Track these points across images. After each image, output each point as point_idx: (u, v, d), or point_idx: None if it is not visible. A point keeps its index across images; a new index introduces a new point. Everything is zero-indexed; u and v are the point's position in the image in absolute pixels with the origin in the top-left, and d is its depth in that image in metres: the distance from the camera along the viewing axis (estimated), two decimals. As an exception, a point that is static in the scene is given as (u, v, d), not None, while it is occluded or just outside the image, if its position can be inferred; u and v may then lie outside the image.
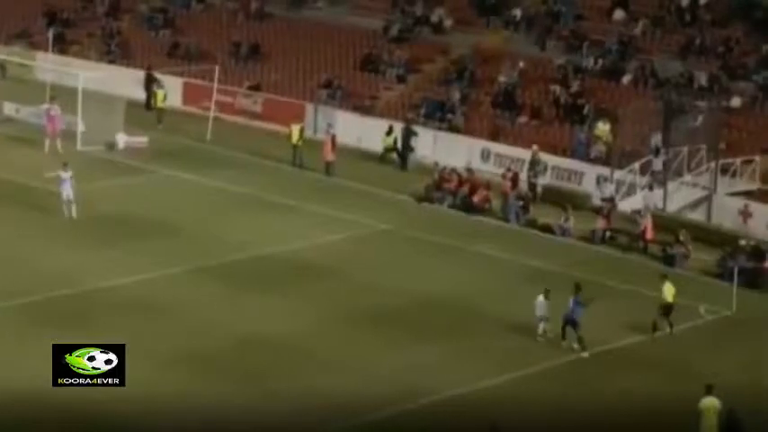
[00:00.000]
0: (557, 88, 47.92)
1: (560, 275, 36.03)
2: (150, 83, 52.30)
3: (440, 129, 47.79)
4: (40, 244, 36.32)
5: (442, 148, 46.37)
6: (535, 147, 44.19)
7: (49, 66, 53.26)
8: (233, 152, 46.99)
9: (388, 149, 47.20)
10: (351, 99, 50.90)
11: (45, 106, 47.09)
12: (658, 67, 47.61)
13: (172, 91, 51.17)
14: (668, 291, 31.75)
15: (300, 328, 31.31)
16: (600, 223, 39.78)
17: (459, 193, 42.31)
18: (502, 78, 49.23)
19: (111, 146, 46.41)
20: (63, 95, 48.31)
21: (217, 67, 50.57)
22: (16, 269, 34.18)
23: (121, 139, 46.66)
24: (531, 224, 40.84)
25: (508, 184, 41.96)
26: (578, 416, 27.82)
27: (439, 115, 48.51)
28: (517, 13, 52.36)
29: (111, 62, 55.40)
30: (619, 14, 50.92)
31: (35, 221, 38.26)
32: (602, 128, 44.94)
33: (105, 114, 46.22)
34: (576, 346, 30.52)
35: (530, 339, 31.23)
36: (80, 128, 46.33)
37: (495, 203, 41.86)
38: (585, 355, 30.34)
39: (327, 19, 55.74)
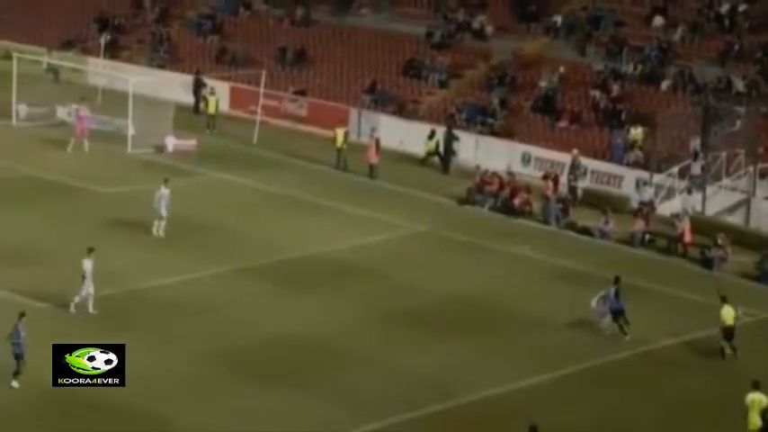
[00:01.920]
0: (596, 93, 47.53)
1: (599, 277, 35.68)
2: (198, 87, 52.31)
3: (481, 133, 47.49)
4: (84, 243, 36.17)
5: (483, 152, 46.08)
6: (575, 151, 43.82)
7: (100, 71, 53.47)
8: (278, 155, 46.90)
9: (430, 153, 46.95)
10: (394, 103, 50.68)
11: (74, 107, 47.15)
12: (697, 73, 47.13)
13: (219, 95, 51.07)
14: (728, 314, 30.37)
15: (339, 328, 31.15)
16: (639, 226, 39.34)
17: (500, 195, 42.00)
18: (542, 83, 48.91)
19: (161, 149, 46.42)
20: (114, 99, 48.46)
21: (263, 72, 50.51)
22: (67, 269, 34.14)
23: (170, 142, 46.66)
24: (571, 227, 40.45)
25: (549, 187, 41.57)
26: (615, 415, 27.47)
27: (480, 119, 48.23)
28: (557, 19, 52.01)
29: (161, 67, 55.46)
30: (658, 21, 50.46)
31: (83, 221, 38.24)
32: (635, 132, 44.53)
33: (155, 118, 46.23)
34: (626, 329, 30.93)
35: (566, 339, 30.93)
36: (130, 131, 46.35)
37: (536, 206, 41.52)
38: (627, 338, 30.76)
39: (371, 25, 55.58)
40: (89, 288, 30.83)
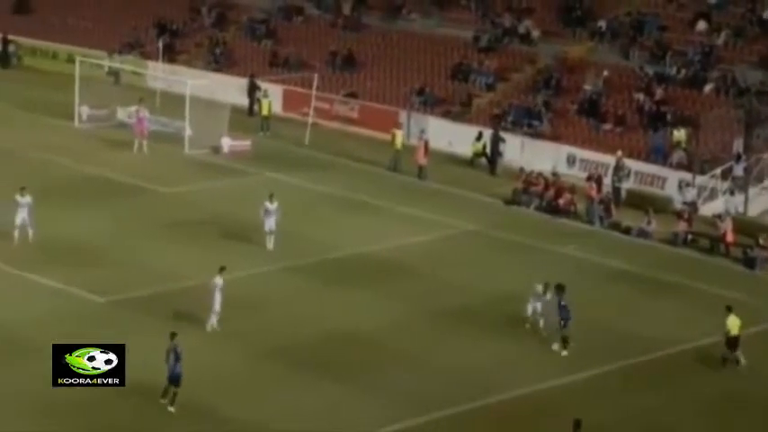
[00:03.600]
0: (640, 96, 47.23)
1: (642, 276, 35.54)
2: (253, 90, 52.51)
3: (527, 135, 47.32)
4: (145, 241, 36.53)
5: (528, 154, 45.94)
6: (619, 152, 43.58)
7: (159, 74, 53.79)
8: (330, 156, 46.97)
9: (477, 154, 46.87)
10: (442, 106, 50.63)
11: (133, 108, 47.43)
12: (739, 76, 46.74)
13: (272, 98, 51.25)
14: (733, 323, 29.44)
15: (387, 325, 31.17)
16: (681, 226, 39.05)
17: (545, 196, 41.86)
18: (587, 87, 48.68)
19: (216, 149, 46.63)
20: (172, 102, 48.74)
21: (315, 76, 50.62)
22: (125, 265, 34.43)
23: (226, 143, 46.86)
24: (615, 227, 40.23)
25: (592, 188, 41.37)
26: (653, 412, 27.30)
27: (526, 122, 48.06)
28: (602, 24, 51.74)
29: (217, 70, 55.71)
30: (701, 25, 50.06)
31: (143, 220, 38.50)
32: (678, 134, 44.21)
33: (211, 119, 46.43)
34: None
35: (608, 337, 30.78)
36: (187, 132, 46.60)
37: (580, 207, 41.31)
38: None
39: (420, 30, 55.55)
40: (216, 306, 29.76)
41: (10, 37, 60.37)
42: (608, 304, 33.34)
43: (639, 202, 41.80)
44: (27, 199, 35.29)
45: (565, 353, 29.44)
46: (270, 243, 35.62)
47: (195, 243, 36.38)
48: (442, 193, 43.29)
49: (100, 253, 35.23)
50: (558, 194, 41.68)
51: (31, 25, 62.03)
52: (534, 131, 47.48)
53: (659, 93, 46.95)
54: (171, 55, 56.64)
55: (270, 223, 35.49)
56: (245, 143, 47.19)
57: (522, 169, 43.63)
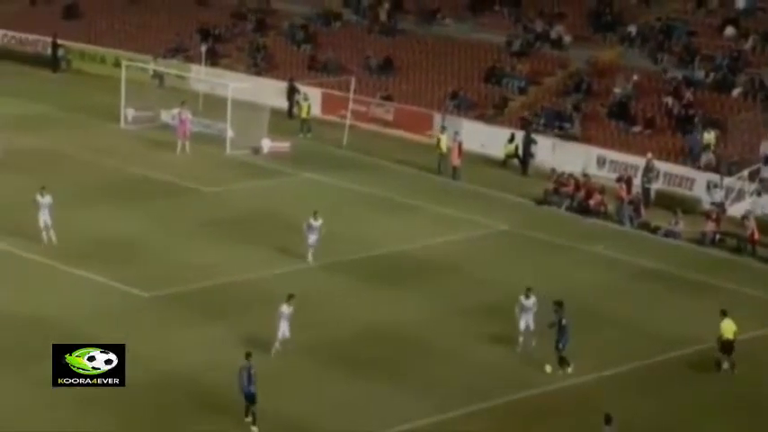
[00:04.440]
0: (669, 100, 46.88)
1: (671, 275, 35.31)
2: (292, 93, 52.55)
3: (558, 137, 47.09)
4: (187, 239, 36.63)
5: (560, 155, 45.70)
6: (649, 154, 43.29)
7: (201, 77, 53.92)
8: (367, 157, 46.92)
9: (509, 156, 46.69)
10: (475, 109, 50.47)
11: (176, 111, 47.57)
12: (767, 80, 46.24)
13: (311, 101, 51.25)
14: (728, 328, 28.73)
15: (423, 320, 31.11)
16: (710, 226, 38.75)
17: (576, 196, 41.64)
18: (617, 90, 48.37)
19: (257, 150, 46.68)
20: (214, 104, 48.86)
21: (352, 79, 50.58)
22: (168, 261, 34.54)
23: (266, 144, 46.91)
24: (644, 227, 39.96)
25: (622, 189, 41.12)
26: (683, 407, 27.16)
27: (557, 124, 47.82)
28: (632, 29, 51.40)
29: (258, 74, 55.75)
30: (729, 31, 49.63)
31: (186, 218, 38.61)
32: (708, 137, 43.86)
33: (252, 121, 46.50)
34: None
35: (639, 334, 30.56)
36: (229, 134, 46.69)
37: (610, 207, 41.06)
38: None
39: (454, 34, 55.40)
40: (280, 334, 28.40)
41: (59, 41, 60.69)
42: (637, 302, 33.14)
43: (668, 202, 41.50)
44: (47, 199, 34.74)
45: (570, 370, 28.06)
46: (310, 256, 34.56)
47: (236, 241, 36.43)
48: (476, 193, 43.15)
49: (144, 250, 35.36)
50: (589, 195, 41.45)
51: (79, 30, 62.36)
52: (565, 133, 47.24)
53: (688, 96, 46.59)
54: (213, 59, 56.76)
55: (312, 239, 34.51)
56: (284, 144, 47.22)
57: (553, 170, 43.46)
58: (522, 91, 51.04)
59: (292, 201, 41.05)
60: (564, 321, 27.97)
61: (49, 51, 60.77)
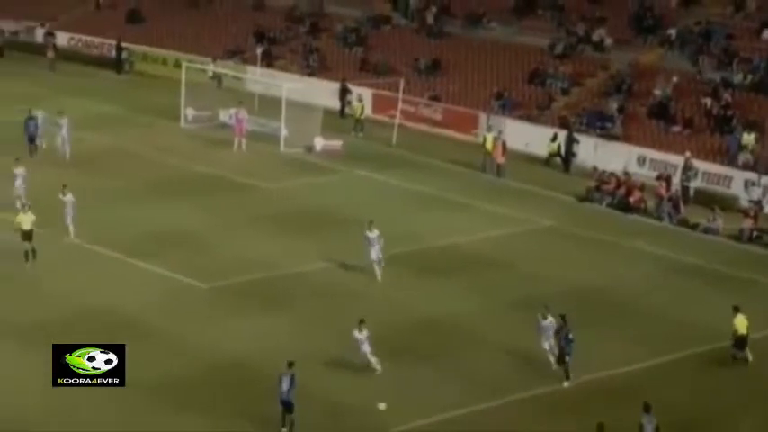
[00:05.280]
0: (708, 101, 46.52)
1: (708, 270, 35.10)
2: (344, 94, 52.69)
3: (599, 136, 46.88)
4: (244, 232, 36.87)
5: (601, 154, 45.48)
6: (688, 153, 43.03)
7: (257, 78, 54.15)
8: (415, 155, 46.94)
9: (552, 154, 46.55)
10: (520, 109, 50.36)
11: (233, 110, 47.80)
12: (804, 83, 45.88)
13: (363, 101, 51.34)
14: (740, 323, 28.44)
15: (468, 312, 31.12)
16: (747, 223, 38.46)
17: (617, 194, 41.46)
18: (657, 91, 48.06)
19: (310, 148, 46.86)
20: (269, 104, 49.11)
21: (401, 80, 50.61)
22: (226, 254, 34.78)
23: (318, 143, 47.07)
24: (683, 223, 39.73)
25: (662, 186, 40.91)
26: (716, 397, 27.11)
27: (598, 124, 47.60)
28: (672, 32, 51.03)
29: (311, 75, 55.95)
30: (767, 34, 49.13)
31: (244, 213, 38.84)
32: (748, 137, 43.50)
33: (305, 121, 46.66)
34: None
35: (675, 326, 30.40)
36: (283, 132, 46.91)
37: (650, 204, 40.85)
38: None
39: (499, 37, 55.29)
40: (363, 359, 27.29)
41: (123, 44, 61.24)
42: (675, 296, 32.97)
43: (707, 200, 41.22)
44: (69, 197, 34.77)
45: (566, 384, 27.13)
46: (378, 273, 32.58)
47: (290, 235, 36.64)
48: (520, 190, 43.06)
49: (203, 243, 35.64)
50: (629, 192, 41.26)
51: (142, 34, 62.87)
52: (607, 133, 47.01)
53: (726, 98, 46.22)
54: (269, 61, 56.99)
55: (374, 252, 32.43)
56: (336, 143, 47.34)
57: (595, 168, 43.33)
58: (564, 92, 50.84)
59: (344, 197, 41.22)
60: (570, 335, 27.17)
61: (114, 54, 61.33)
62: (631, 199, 41.07)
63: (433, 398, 26.29)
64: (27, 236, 32.27)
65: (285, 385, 24.31)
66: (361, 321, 27.28)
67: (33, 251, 32.28)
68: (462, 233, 37.56)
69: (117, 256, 34.00)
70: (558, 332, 27.37)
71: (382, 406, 25.46)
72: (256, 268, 33.46)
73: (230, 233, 36.75)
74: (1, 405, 24.92)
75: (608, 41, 52.31)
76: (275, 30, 60.70)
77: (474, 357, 28.39)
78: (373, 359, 27.09)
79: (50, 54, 60.98)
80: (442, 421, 25.34)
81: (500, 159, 44.62)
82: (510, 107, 50.28)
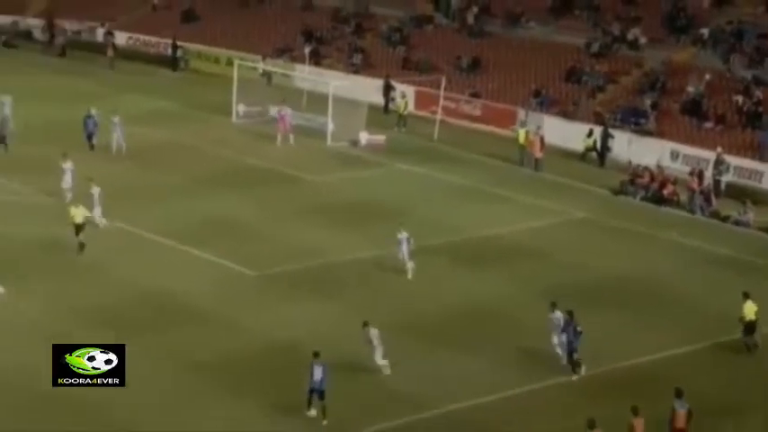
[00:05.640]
0: (739, 98, 45.91)
1: (739, 260, 34.66)
2: (388, 90, 52.55)
3: (633, 132, 46.42)
4: (292, 222, 36.86)
5: (635, 149, 45.04)
6: (719, 148, 42.50)
7: (305, 76, 54.16)
8: (456, 150, 46.73)
9: (588, 149, 46.16)
10: (556, 105, 49.98)
11: (276, 108, 47.78)
12: (834, 80, 45.15)
13: (406, 98, 51.19)
14: (749, 309, 28.00)
15: (506, 300, 30.91)
16: (777, 217, 37.97)
17: (651, 187, 41.05)
18: (690, 89, 47.50)
19: (355, 143, 46.78)
20: (316, 100, 49.09)
21: (443, 78, 50.40)
22: (274, 243, 34.81)
23: (363, 138, 46.98)
24: (715, 216, 39.26)
25: (694, 180, 40.43)
26: (748, 383, 26.76)
27: (633, 120, 47.14)
28: (705, 31, 50.40)
29: (356, 73, 55.85)
30: (798, 33, 48.49)
31: (291, 203, 38.84)
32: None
33: (350, 116, 46.60)
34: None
35: (708, 315, 29.98)
36: (330, 127, 46.86)
37: (683, 197, 40.40)
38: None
39: (537, 37, 54.90)
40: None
41: (178, 43, 61.47)
42: (707, 285, 32.58)
43: (738, 194, 40.70)
44: (96, 189, 34.77)
45: (575, 377, 26.51)
46: (410, 272, 31.95)
47: (335, 224, 36.57)
48: (557, 183, 42.74)
49: (253, 232, 35.68)
50: (663, 186, 40.84)
51: (196, 33, 63.06)
52: (641, 129, 46.55)
53: (757, 95, 45.59)
54: (316, 59, 56.97)
55: (402, 253, 31.86)
56: (380, 137, 47.24)
57: (629, 163, 42.96)
58: (600, 89, 50.39)
59: (387, 189, 41.11)
60: (579, 328, 26.58)
61: (169, 52, 61.59)
62: (665, 192, 40.64)
63: (476, 381, 26.13)
64: (79, 229, 32.47)
65: (318, 374, 23.87)
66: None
67: (81, 245, 32.40)
68: (501, 224, 37.32)
69: (172, 243, 34.11)
70: (565, 328, 26.75)
71: (312, 412, 24.19)
72: (304, 257, 33.44)
73: (278, 223, 36.76)
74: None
75: (642, 40, 51.78)
76: (322, 29, 60.66)
77: (512, 344, 28.16)
78: (383, 362, 25.95)
79: (110, 53, 61.33)
80: (477, 406, 25.13)
81: (538, 154, 44.32)
82: (547, 104, 49.91)
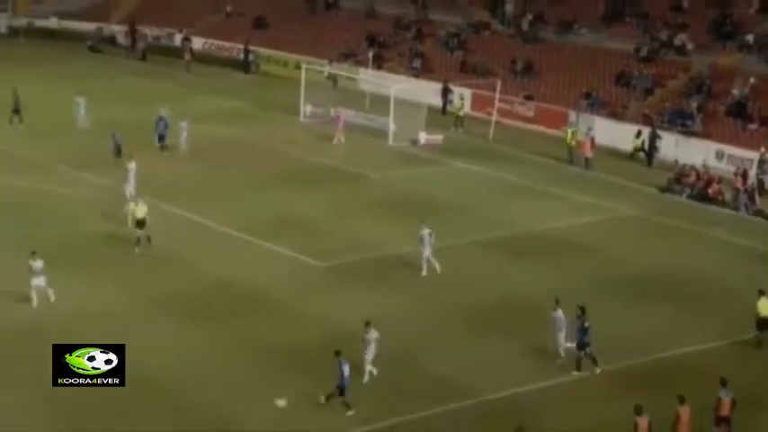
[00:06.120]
0: (783, 101, 45.09)
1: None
2: (446, 93, 52.32)
3: (680, 133, 45.72)
4: (355, 217, 36.81)
5: (682, 149, 44.36)
6: (763, 149, 41.73)
7: (368, 79, 54.10)
8: (510, 149, 46.40)
9: (636, 149, 45.55)
10: (606, 107, 49.39)
11: (333, 109, 47.63)
12: None
13: (462, 99, 50.94)
14: (764, 305, 27.43)
15: (557, 291, 30.29)
16: (819, 215, 37.14)
17: (696, 186, 40.39)
18: (735, 92, 46.69)
19: (414, 142, 46.63)
20: (379, 102, 49.00)
21: (498, 81, 50.04)
22: (341, 236, 34.78)
23: (422, 137, 46.82)
24: (758, 214, 38.54)
25: (739, 180, 39.71)
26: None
27: (679, 122, 46.44)
28: (750, 37, 49.50)
29: (416, 76, 55.69)
30: (841, 39, 47.41)
31: (355, 199, 38.81)
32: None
33: (410, 117, 46.46)
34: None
35: (751, 309, 29.32)
36: (391, 128, 46.76)
37: (727, 196, 39.70)
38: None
39: (589, 42, 54.30)
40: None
41: (250, 48, 61.76)
42: (751, 281, 31.79)
43: (781, 193, 39.98)
44: (132, 166, 35.41)
45: (598, 370, 25.70)
46: (436, 265, 31.04)
47: (397, 219, 36.44)
48: (606, 181, 42.24)
49: (319, 226, 35.69)
50: (708, 185, 40.18)
51: (267, 38, 63.30)
52: (687, 130, 45.86)
53: (800, 98, 44.76)
54: (379, 63, 56.92)
55: (426, 251, 30.89)
56: (438, 137, 47.05)
57: (676, 162, 42.30)
58: (648, 92, 49.73)
59: (445, 186, 40.92)
60: (587, 324, 25.56)
61: (242, 56, 61.91)
62: (710, 191, 39.97)
63: (527, 370, 25.86)
64: (140, 224, 32.67)
65: (347, 371, 23.31)
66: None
67: (148, 238, 32.50)
68: (553, 220, 36.96)
69: (243, 236, 34.23)
70: (580, 324, 25.81)
71: (281, 403, 23.31)
72: (367, 249, 33.39)
73: (343, 217, 36.75)
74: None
75: (689, 46, 51.00)
76: (385, 35, 60.57)
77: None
78: (369, 366, 24.75)
79: (187, 57, 61.81)
80: (517, 394, 24.84)
81: (588, 153, 43.84)
82: (597, 106, 49.35)
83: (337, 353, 23.61)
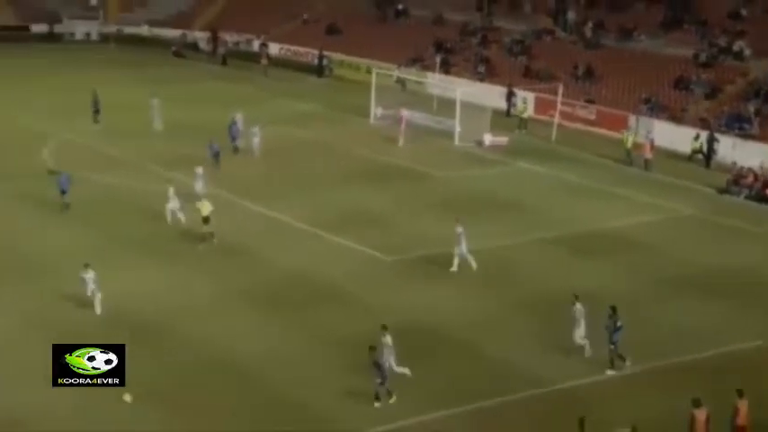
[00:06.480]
0: (841, 105, 43.84)
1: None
2: (510, 96, 51.93)
3: (738, 136, 44.75)
4: (422, 214, 36.61)
5: (739, 152, 43.39)
6: (820, 152, 40.68)
7: (436, 83, 53.92)
8: (572, 150, 45.86)
9: (695, 151, 44.70)
10: (666, 111, 48.56)
11: (392, 111, 47.51)
12: None
13: (527, 103, 50.48)
14: None
15: (618, 288, 29.96)
16: None
17: (754, 187, 39.49)
18: (793, 96, 45.60)
19: (480, 143, 46.34)
20: (445, 105, 48.78)
21: (560, 85, 49.50)
22: (406, 232, 34.65)
23: (487, 139, 46.50)
24: (815, 215, 37.53)
25: (796, 181, 38.78)
26: None
27: (737, 125, 45.47)
28: (808, 43, 48.34)
29: (481, 80, 55.37)
30: None
31: (421, 197, 38.63)
32: None
33: (476, 119, 46.18)
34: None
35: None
36: (457, 129, 46.52)
37: (784, 197, 38.77)
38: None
39: (648, 48, 53.48)
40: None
41: (324, 53, 61.96)
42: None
43: (838, 194, 38.86)
44: (200, 169, 35.59)
45: (609, 371, 24.95)
46: (454, 264, 30.49)
47: (462, 216, 36.03)
48: (665, 182, 41.50)
49: (387, 221, 35.60)
50: (766, 186, 39.24)
51: (340, 44, 63.50)
52: (744, 133, 44.89)
53: None
54: (446, 68, 56.72)
55: (460, 249, 30.25)
56: (502, 139, 46.69)
57: (734, 164, 41.40)
58: (707, 97, 48.78)
59: (509, 186, 40.56)
60: (618, 323, 24.79)
61: (316, 61, 62.13)
62: (767, 191, 39.01)
63: (577, 363, 25.40)
64: (206, 221, 32.85)
65: (387, 353, 22.84)
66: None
67: (211, 234, 32.65)
68: (614, 219, 36.41)
69: (315, 231, 34.29)
70: (611, 323, 25.02)
71: (127, 397, 21.55)
72: (432, 244, 33.17)
73: (410, 214, 36.62)
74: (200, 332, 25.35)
75: (747, 52, 49.95)
76: (451, 41, 60.34)
77: (624, 330, 27.21)
78: (399, 369, 23.78)
79: (264, 61, 62.23)
80: (579, 386, 24.43)
81: (648, 155, 43.14)
82: (657, 110, 48.56)
83: (371, 348, 22.89)
